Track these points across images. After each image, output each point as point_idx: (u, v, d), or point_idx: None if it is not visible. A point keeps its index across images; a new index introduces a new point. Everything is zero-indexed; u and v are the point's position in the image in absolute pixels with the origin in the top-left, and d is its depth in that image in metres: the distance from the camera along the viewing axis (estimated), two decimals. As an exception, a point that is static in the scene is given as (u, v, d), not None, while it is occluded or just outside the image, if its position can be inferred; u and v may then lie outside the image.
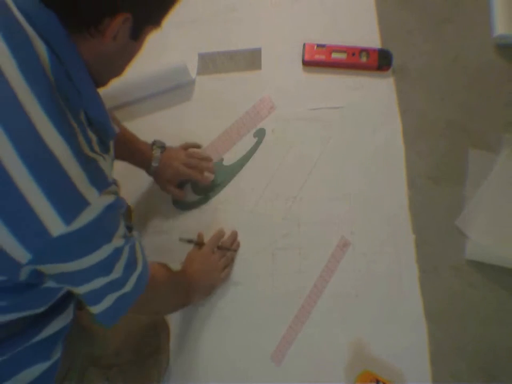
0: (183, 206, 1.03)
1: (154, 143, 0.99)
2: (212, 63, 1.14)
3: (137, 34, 0.58)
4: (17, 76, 0.49)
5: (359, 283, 0.92)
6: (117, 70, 0.64)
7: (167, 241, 1.00)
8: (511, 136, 0.97)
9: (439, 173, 0.98)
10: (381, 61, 1.06)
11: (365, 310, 0.90)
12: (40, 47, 0.51)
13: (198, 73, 1.13)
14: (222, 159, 1.05)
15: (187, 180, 1.03)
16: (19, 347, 0.63)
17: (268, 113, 1.08)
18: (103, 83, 0.63)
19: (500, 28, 1.03)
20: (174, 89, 1.11)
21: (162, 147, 0.99)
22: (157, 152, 0.97)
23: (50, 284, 0.59)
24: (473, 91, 1.04)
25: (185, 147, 1.04)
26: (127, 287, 0.64)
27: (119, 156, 0.87)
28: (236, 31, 1.17)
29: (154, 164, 0.97)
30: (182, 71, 1.09)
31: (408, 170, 0.99)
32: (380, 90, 1.06)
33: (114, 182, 0.58)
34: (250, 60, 1.14)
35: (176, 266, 0.91)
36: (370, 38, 1.11)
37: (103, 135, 0.60)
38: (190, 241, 0.97)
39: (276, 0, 1.19)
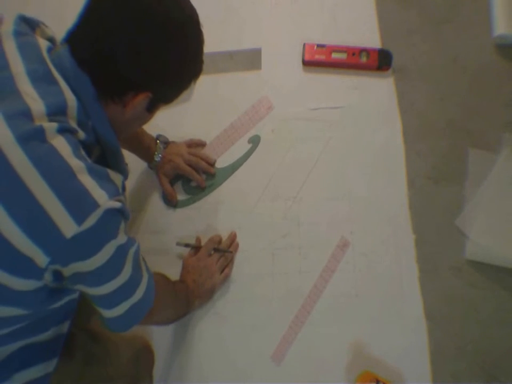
0: (171, 203, 1.03)
1: (158, 137, 1.02)
2: (212, 63, 1.14)
3: (152, 109, 0.69)
4: (42, 114, 0.56)
5: (359, 283, 0.92)
6: (127, 132, 0.73)
7: (164, 242, 1.00)
8: (511, 136, 0.97)
9: (439, 173, 0.98)
10: (381, 61, 1.06)
11: (365, 310, 0.90)
12: (72, 101, 0.59)
13: (198, 73, 1.13)
14: (215, 161, 1.05)
15: (182, 176, 1.04)
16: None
17: (266, 113, 1.08)
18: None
19: (499, 28, 1.04)
20: (174, 89, 1.11)
21: (166, 142, 1.02)
22: (160, 147, 1.01)
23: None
24: (473, 91, 1.04)
25: (189, 144, 1.06)
26: (138, 294, 0.66)
27: (126, 146, 0.94)
28: (236, 31, 1.17)
29: (156, 159, 1.00)
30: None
31: (408, 170, 0.99)
32: (380, 90, 1.06)
33: (123, 194, 0.62)
34: (250, 60, 1.14)
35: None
36: (370, 38, 1.11)
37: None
38: (187, 245, 0.97)
39: (276, 0, 1.19)
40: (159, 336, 0.93)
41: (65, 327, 0.74)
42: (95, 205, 0.54)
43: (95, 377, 0.79)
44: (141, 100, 0.64)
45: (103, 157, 0.67)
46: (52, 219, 0.53)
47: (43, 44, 0.63)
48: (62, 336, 0.74)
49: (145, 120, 0.73)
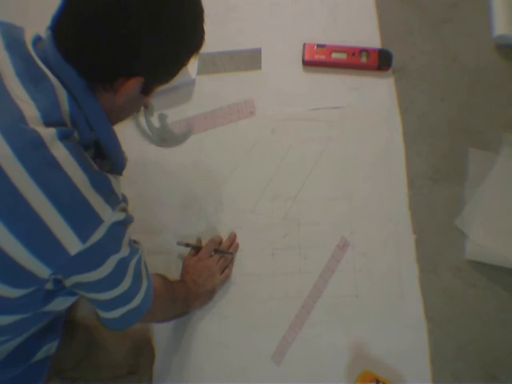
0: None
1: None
2: (211, 63, 1.14)
3: (147, 91, 0.64)
4: (37, 119, 0.53)
5: (359, 283, 0.92)
6: (124, 116, 0.69)
7: (164, 242, 1.00)
8: (511, 136, 0.97)
9: (439, 173, 0.98)
10: (381, 61, 1.06)
11: (365, 310, 0.90)
12: (62, 94, 0.56)
13: (198, 73, 1.13)
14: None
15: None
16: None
17: (246, 115, 1.08)
18: (112, 124, 0.68)
19: (499, 28, 1.03)
20: (174, 89, 1.11)
21: None
22: None
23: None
24: (473, 91, 1.04)
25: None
26: (135, 301, 0.67)
27: None
28: (236, 31, 1.17)
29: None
30: (182, 71, 1.08)
31: (408, 170, 0.99)
32: (380, 90, 1.06)
33: (124, 199, 0.62)
34: (250, 60, 1.14)
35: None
36: (370, 38, 1.11)
37: (114, 165, 0.65)
38: (187, 245, 0.97)
39: (275, 0, 1.19)
40: (160, 335, 0.93)
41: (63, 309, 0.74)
42: (99, 220, 0.54)
43: (96, 361, 0.80)
44: (133, 84, 0.58)
45: (100, 149, 0.64)
46: (55, 236, 0.52)
47: (28, 35, 0.59)
48: (61, 317, 0.74)
49: (141, 103, 0.69)
